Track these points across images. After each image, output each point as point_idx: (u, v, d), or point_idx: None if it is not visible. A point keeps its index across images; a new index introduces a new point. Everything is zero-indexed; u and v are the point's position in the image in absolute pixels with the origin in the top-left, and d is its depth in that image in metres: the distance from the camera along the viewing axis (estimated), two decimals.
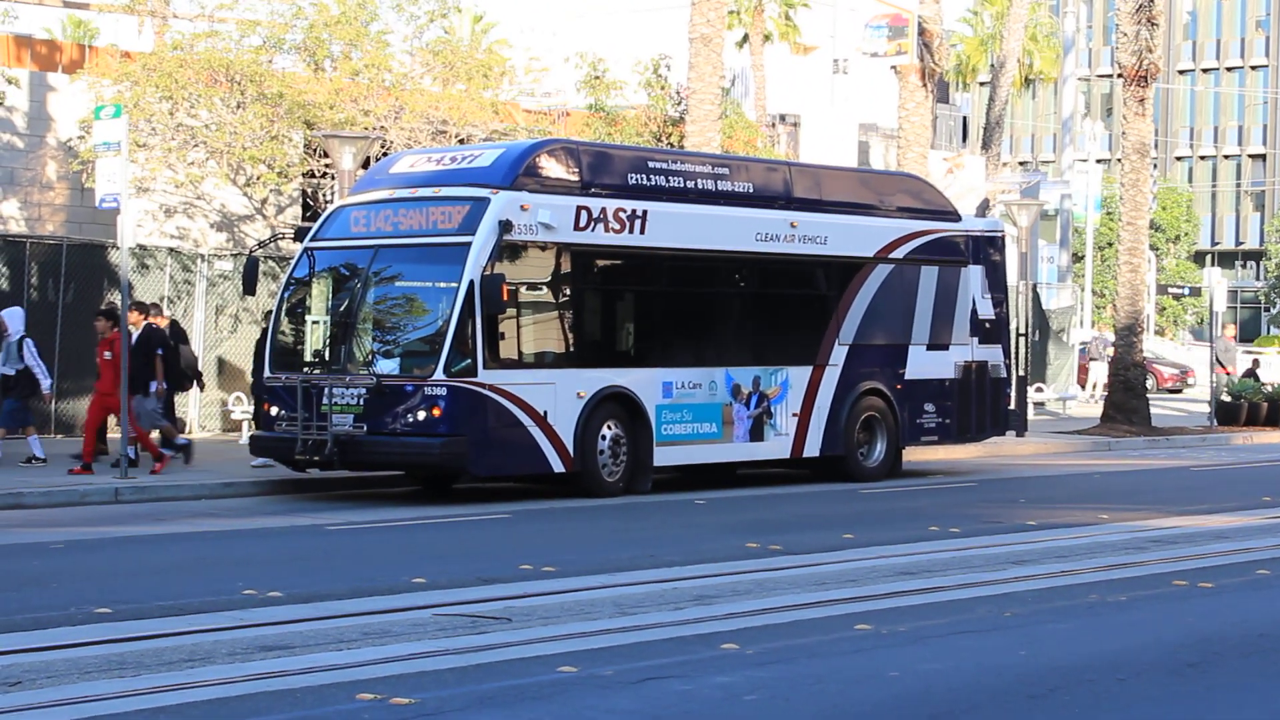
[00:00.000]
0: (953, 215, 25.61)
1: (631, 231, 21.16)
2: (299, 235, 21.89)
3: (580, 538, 16.99)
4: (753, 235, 22.58)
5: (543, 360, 20.38)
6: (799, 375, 22.97)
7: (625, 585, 12.97)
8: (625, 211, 21.08)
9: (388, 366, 19.95)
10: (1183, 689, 9.54)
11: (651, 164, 22.02)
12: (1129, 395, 35.81)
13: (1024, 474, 26.16)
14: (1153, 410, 37.12)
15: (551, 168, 20.67)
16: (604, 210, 20.84)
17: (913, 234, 24.59)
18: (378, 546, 16.12)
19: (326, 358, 20.40)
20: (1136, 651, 10.49)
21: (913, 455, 26.86)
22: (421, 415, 19.28)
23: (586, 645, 10.38)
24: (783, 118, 52.41)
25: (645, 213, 21.28)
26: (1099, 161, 72.10)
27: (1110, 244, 74.26)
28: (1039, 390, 40.79)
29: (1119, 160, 41.52)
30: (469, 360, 19.26)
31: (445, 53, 33.39)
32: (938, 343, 24.79)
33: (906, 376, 24.35)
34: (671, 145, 35.44)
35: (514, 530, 17.64)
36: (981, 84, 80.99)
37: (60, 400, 27.24)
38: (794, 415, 22.86)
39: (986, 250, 25.65)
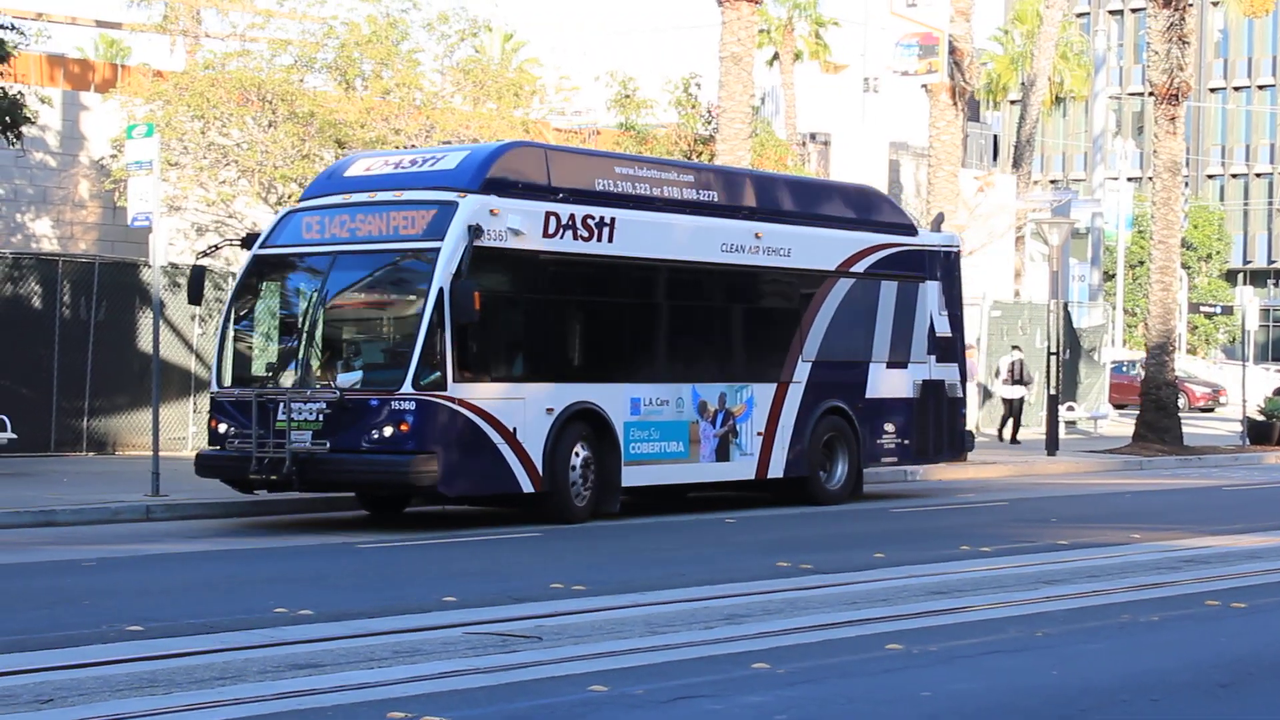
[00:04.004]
0: (909, 229, 24.83)
1: (600, 239, 20.26)
2: (247, 242, 20.53)
3: (609, 557, 16.94)
4: (718, 245, 21.71)
5: (512, 374, 19.43)
6: (763, 392, 22.09)
7: (655, 604, 12.94)
8: (594, 218, 20.20)
9: (351, 379, 18.87)
10: (1216, 709, 9.49)
11: (618, 169, 21.13)
12: (1161, 414, 35.71)
13: (1055, 493, 26.03)
14: (1184, 429, 37.00)
15: (520, 171, 19.70)
16: (572, 217, 19.91)
17: (873, 247, 23.80)
18: (409, 564, 16.11)
19: (282, 371, 19.35)
20: (1169, 672, 10.44)
21: (942, 474, 26.77)
22: (388, 431, 18.18)
23: (617, 664, 10.35)
24: (813, 136, 52.47)
25: (614, 220, 20.40)
26: (1130, 180, 71.93)
27: (1142, 262, 74.03)
28: (1070, 409, 40.66)
29: (1150, 178, 41.37)
30: (438, 373, 18.22)
31: (476, 71, 33.50)
32: (897, 360, 23.98)
33: (868, 395, 23.53)
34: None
35: (544, 549, 17.59)
36: (1012, 102, 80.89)
37: (92, 418, 27.35)
38: (759, 434, 21.97)
39: (944, 265, 24.83)
